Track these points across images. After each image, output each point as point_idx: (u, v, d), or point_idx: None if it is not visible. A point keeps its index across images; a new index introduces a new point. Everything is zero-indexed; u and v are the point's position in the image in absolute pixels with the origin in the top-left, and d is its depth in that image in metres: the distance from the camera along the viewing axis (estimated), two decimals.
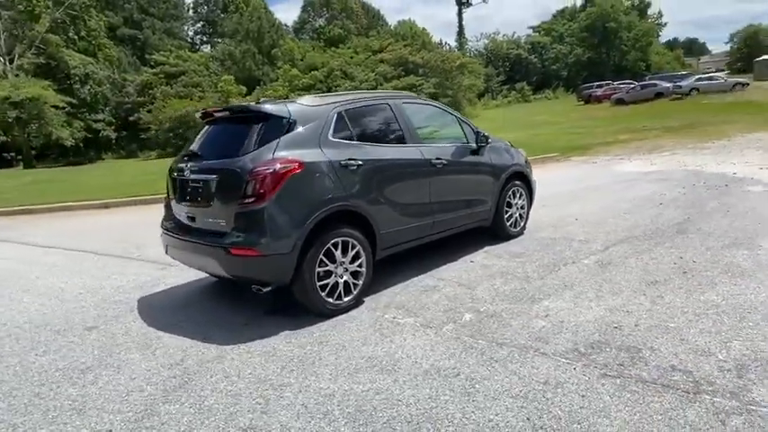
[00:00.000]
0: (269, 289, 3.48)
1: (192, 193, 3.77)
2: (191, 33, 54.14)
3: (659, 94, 30.60)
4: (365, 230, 3.77)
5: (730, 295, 3.42)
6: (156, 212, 4.75)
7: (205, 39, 54.77)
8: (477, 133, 4.86)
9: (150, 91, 33.30)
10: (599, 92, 38.34)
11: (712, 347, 2.76)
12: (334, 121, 3.79)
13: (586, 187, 8.07)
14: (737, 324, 3.01)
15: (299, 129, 3.60)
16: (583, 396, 2.41)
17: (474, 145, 4.80)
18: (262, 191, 3.33)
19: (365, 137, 3.99)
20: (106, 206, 10.26)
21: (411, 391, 2.56)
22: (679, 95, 29.14)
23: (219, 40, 47.13)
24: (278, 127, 3.57)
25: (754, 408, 2.23)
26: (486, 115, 36.19)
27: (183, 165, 3.91)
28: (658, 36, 58.70)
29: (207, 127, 4.13)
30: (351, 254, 3.68)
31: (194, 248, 3.71)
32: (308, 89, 30.60)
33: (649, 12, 59.14)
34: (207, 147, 3.97)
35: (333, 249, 3.56)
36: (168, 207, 4.20)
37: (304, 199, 3.45)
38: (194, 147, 4.07)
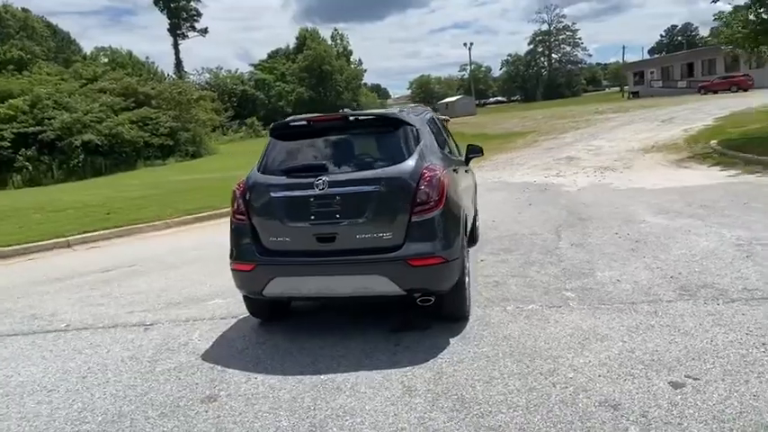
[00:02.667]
0: (433, 299, 3.58)
1: (333, 210, 3.46)
2: None
3: None
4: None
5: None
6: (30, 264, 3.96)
7: None
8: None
9: None
10: None
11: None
12: (428, 130, 4.09)
13: None
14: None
15: (423, 137, 3.83)
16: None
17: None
18: (437, 197, 3.46)
19: (439, 144, 4.31)
20: None
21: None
22: None
23: None
24: (412, 135, 3.75)
25: None
26: (233, 149, 36.30)
27: (302, 180, 3.55)
28: (362, 80, 69.74)
29: (309, 134, 3.84)
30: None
31: (344, 270, 3.45)
32: (8, 122, 24.48)
33: (352, 58, 69.78)
34: (330, 158, 3.72)
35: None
36: (257, 232, 3.65)
37: (456, 203, 3.72)
38: (303, 159, 3.73)
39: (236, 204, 3.82)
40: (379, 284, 3.42)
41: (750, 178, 8.98)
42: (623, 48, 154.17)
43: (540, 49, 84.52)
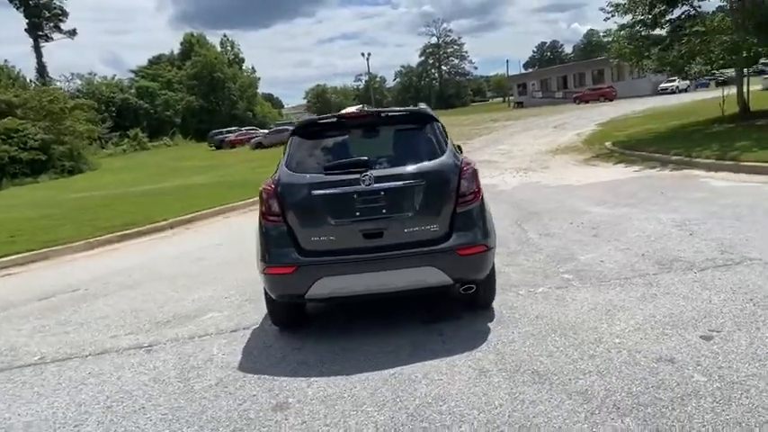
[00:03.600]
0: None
1: (380, 205, 3.49)
2: None
3: None
4: None
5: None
6: None
7: None
8: None
9: None
10: (231, 137, 41.91)
11: None
12: None
13: None
14: None
15: (447, 133, 3.99)
16: None
17: None
18: (477, 188, 3.65)
19: None
20: None
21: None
22: None
23: None
24: (439, 130, 3.89)
25: None
26: (120, 163, 33.43)
27: (346, 177, 3.51)
28: (257, 89, 68.00)
29: (340, 132, 3.83)
30: None
31: (396, 264, 3.47)
32: None
33: (244, 66, 67.82)
34: (368, 154, 3.70)
35: None
36: (294, 233, 3.57)
37: (484, 195, 3.88)
38: (342, 156, 3.73)
39: (267, 205, 3.70)
40: (431, 276, 3.53)
41: (652, 172, 10.42)
42: (507, 61, 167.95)
43: (431, 61, 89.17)
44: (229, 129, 45.01)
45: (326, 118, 3.96)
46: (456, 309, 4.18)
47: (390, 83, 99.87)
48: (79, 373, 3.75)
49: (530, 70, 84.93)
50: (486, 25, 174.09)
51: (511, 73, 67.53)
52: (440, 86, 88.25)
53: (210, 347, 3.98)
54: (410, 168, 3.62)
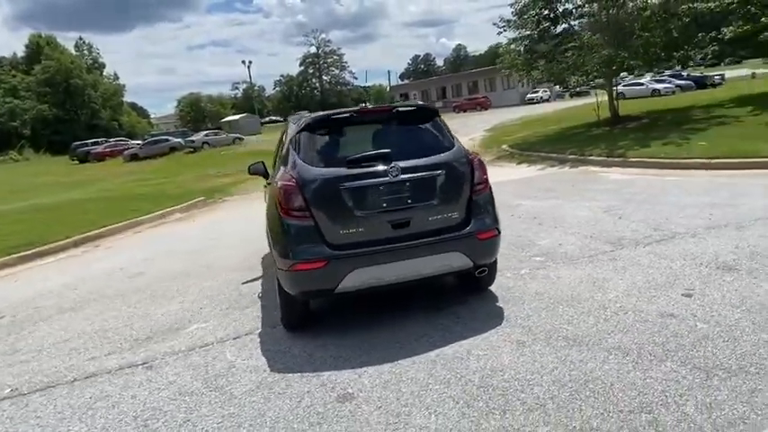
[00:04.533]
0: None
1: (405, 195, 3.62)
2: None
3: (173, 149, 34.08)
4: None
5: None
6: None
7: None
8: None
9: None
10: (99, 149, 38.06)
11: None
12: None
13: None
14: None
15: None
16: None
17: None
18: (485, 177, 3.91)
19: None
20: None
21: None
22: (192, 149, 33.63)
23: None
24: (443, 124, 4.08)
25: None
26: None
27: (373, 169, 3.60)
28: (122, 97, 62.38)
29: (353, 127, 3.95)
30: None
31: (425, 251, 3.60)
32: None
33: (106, 72, 61.91)
34: (386, 146, 3.77)
35: None
36: (320, 227, 3.58)
37: None
38: (362, 149, 3.78)
39: (289, 201, 3.61)
40: (456, 261, 3.76)
41: (555, 170, 11.71)
42: (389, 72, 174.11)
43: (312, 71, 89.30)
44: (95, 140, 40.83)
45: (340, 113, 4.00)
46: (458, 294, 4.42)
47: (270, 91, 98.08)
48: (78, 399, 3.32)
49: (406, 81, 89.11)
50: (361, 37, 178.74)
51: (388, 83, 70.26)
52: (321, 96, 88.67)
53: (222, 356, 3.76)
54: (432, 159, 3.80)
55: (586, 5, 14.39)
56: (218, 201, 13.44)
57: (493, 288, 4.45)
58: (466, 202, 3.84)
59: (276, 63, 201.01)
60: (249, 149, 30.98)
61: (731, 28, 15.07)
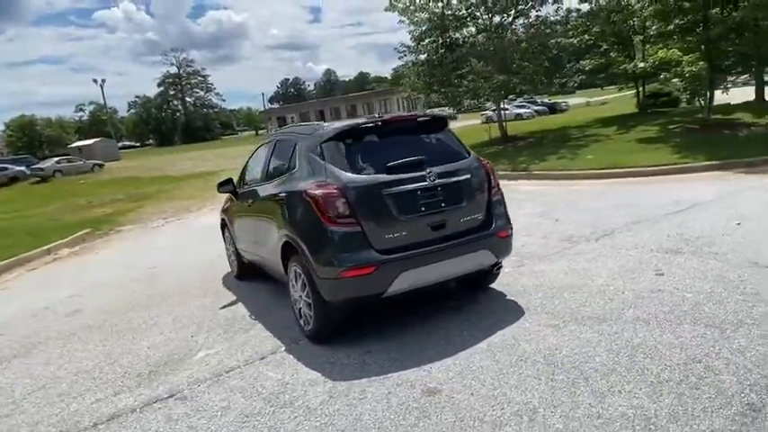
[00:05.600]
0: None
1: (439, 199, 3.83)
2: None
3: (14, 179, 29.84)
4: None
5: None
6: None
7: None
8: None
9: None
10: None
11: None
12: None
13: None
14: None
15: None
16: None
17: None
18: (497, 181, 4.29)
19: None
20: None
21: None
22: (40, 178, 29.72)
23: None
24: (453, 133, 4.40)
25: None
26: None
27: (412, 174, 3.78)
28: None
29: (380, 136, 4.04)
30: None
31: (458, 252, 3.85)
32: None
33: None
34: (418, 152, 3.98)
35: None
36: (365, 233, 3.69)
37: None
38: (397, 156, 3.90)
39: (332, 209, 3.66)
40: (486, 258, 4.12)
41: None
42: (263, 94, 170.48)
43: (173, 92, 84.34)
44: None
45: (365, 122, 4.15)
46: (464, 293, 4.76)
47: (123, 114, 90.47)
48: None
49: (275, 105, 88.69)
50: (220, 58, 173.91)
51: (255, 106, 69.20)
52: (185, 119, 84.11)
53: (264, 375, 3.63)
54: (458, 164, 4.12)
55: (476, 36, 16.05)
56: (110, 232, 12.21)
57: (491, 286, 4.87)
58: (486, 203, 4.22)
59: (126, 83, 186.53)
60: (114, 177, 28.46)
61: (590, 61, 17.90)
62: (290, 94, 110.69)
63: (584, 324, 3.81)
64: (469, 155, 4.35)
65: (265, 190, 4.80)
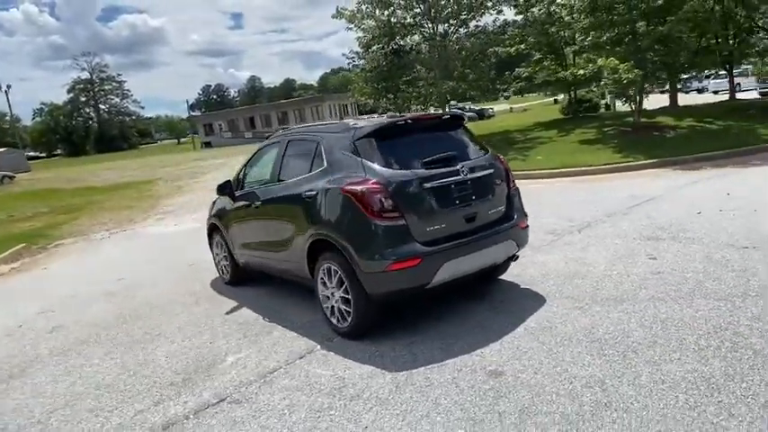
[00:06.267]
0: None
1: (474, 192, 4.02)
2: None
3: None
4: None
5: None
6: None
7: None
8: None
9: None
10: None
11: None
12: None
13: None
14: None
15: None
16: None
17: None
18: (513, 177, 4.48)
19: None
20: None
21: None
22: None
23: None
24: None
25: None
26: None
27: (447, 169, 3.92)
28: None
29: (409, 133, 4.18)
30: None
31: (490, 243, 4.03)
32: None
33: None
34: (446, 149, 4.15)
35: None
36: (408, 226, 3.79)
37: None
38: (431, 152, 4.06)
39: (377, 204, 3.72)
40: (511, 248, 4.36)
41: None
42: (187, 101, 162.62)
43: (84, 99, 78.66)
44: None
45: (396, 121, 4.29)
46: (479, 285, 4.95)
47: (27, 122, 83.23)
48: None
49: (197, 112, 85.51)
50: (135, 64, 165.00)
51: (177, 114, 66.48)
52: (99, 127, 78.76)
53: (314, 372, 3.60)
54: (482, 160, 4.32)
55: (422, 44, 16.56)
56: (49, 246, 11.28)
57: (500, 277, 5.11)
58: (506, 196, 4.44)
59: (29, 89, 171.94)
60: (29, 189, 26.26)
61: (526, 69, 19.01)
62: (213, 100, 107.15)
63: (607, 305, 4.11)
64: (487, 151, 4.56)
65: (280, 190, 4.74)
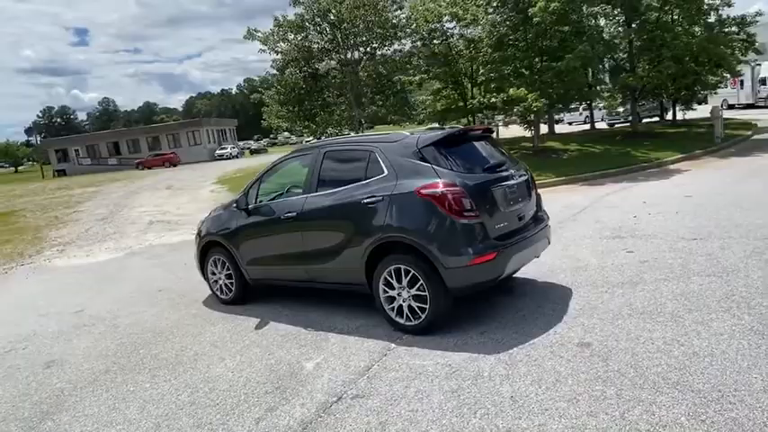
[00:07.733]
0: None
1: (520, 194, 4.62)
2: None
3: None
4: None
5: None
6: None
7: None
8: None
9: None
10: None
11: None
12: None
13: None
14: None
15: None
16: None
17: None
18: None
19: None
20: None
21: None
22: None
23: None
24: None
25: None
26: None
27: (503, 173, 4.56)
28: None
29: (463, 142, 4.75)
30: None
31: (536, 239, 4.67)
32: None
33: None
34: (492, 159, 4.77)
35: None
36: (484, 224, 4.28)
37: None
38: (486, 159, 4.73)
39: (459, 205, 4.14)
40: (545, 244, 5.08)
41: None
42: (32, 127, 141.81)
43: None
44: None
45: (454, 131, 4.80)
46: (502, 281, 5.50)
47: None
48: None
49: (37, 137, 76.30)
50: None
51: (9, 138, 58.88)
52: None
53: (417, 363, 3.82)
54: (519, 166, 5.01)
55: (337, 68, 17.18)
56: (39, 264, 9.53)
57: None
58: (536, 199, 5.13)
59: None
60: None
61: (427, 97, 20.59)
62: (57, 124, 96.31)
63: (626, 287, 4.92)
64: (516, 160, 5.22)
65: (325, 200, 4.86)
